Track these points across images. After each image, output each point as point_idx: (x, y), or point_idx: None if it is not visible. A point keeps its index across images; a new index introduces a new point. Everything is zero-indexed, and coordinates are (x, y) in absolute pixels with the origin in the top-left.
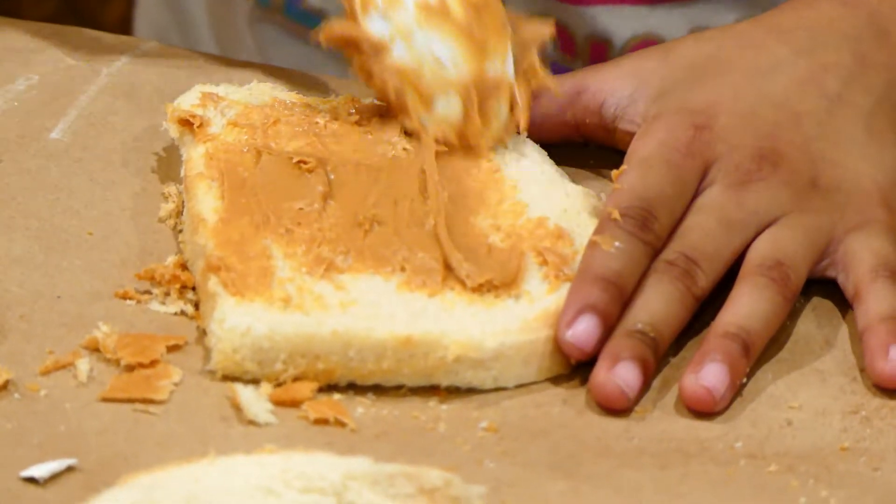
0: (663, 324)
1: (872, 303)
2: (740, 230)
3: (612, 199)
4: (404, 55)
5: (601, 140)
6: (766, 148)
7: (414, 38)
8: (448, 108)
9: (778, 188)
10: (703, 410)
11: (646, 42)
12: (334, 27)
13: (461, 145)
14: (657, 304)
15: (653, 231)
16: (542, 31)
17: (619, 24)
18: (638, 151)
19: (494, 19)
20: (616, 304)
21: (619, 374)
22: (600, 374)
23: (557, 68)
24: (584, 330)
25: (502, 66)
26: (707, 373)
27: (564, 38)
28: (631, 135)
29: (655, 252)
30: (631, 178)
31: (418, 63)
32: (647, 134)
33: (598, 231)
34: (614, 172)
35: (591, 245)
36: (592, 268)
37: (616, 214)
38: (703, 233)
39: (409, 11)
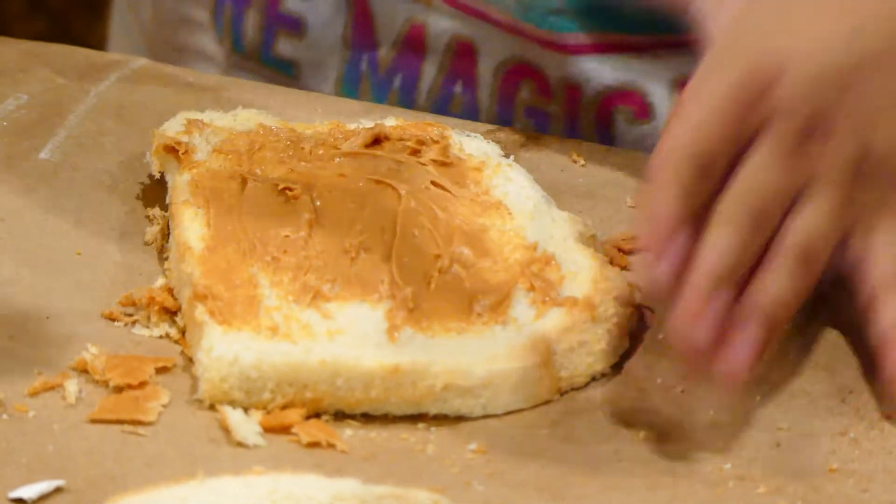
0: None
1: (893, 310)
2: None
3: (666, 141)
4: None
5: (675, 13)
6: (825, 114)
7: None
8: None
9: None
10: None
11: (621, 93)
12: None
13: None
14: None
15: (712, 179)
16: None
17: (600, 71)
18: (692, 99)
19: None
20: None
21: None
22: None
23: (533, 112)
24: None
25: None
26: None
27: (540, 80)
28: (700, 27)
29: (712, 196)
30: (686, 119)
31: None
32: (708, 78)
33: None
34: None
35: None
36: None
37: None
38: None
39: None
